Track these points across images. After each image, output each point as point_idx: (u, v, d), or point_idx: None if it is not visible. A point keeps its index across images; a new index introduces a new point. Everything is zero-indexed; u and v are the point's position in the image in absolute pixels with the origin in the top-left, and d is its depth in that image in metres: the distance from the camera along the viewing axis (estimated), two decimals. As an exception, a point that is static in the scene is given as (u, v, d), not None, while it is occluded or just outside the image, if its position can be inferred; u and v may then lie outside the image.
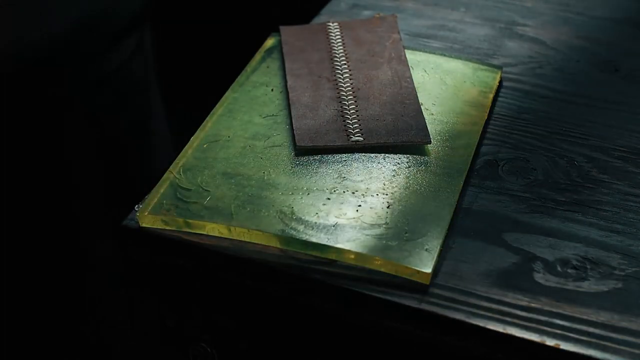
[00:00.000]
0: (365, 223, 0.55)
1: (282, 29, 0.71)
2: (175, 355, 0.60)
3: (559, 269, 0.53)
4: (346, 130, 0.61)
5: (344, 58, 0.67)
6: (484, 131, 0.64)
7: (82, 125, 0.82)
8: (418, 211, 0.56)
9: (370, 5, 0.78)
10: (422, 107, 0.63)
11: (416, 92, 0.64)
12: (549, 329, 0.50)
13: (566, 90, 0.68)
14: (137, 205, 0.57)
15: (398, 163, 0.59)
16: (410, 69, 0.67)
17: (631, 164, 0.61)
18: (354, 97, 0.64)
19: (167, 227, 0.56)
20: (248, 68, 0.68)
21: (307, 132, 0.61)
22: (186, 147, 0.61)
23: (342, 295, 0.52)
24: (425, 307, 0.51)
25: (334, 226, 0.54)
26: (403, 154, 0.60)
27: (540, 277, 0.53)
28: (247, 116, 0.63)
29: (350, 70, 0.66)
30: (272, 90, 0.66)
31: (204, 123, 0.63)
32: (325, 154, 0.60)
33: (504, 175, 0.60)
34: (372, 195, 0.57)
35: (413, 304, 0.51)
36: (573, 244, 0.55)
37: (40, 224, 0.82)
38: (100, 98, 0.82)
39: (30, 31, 0.74)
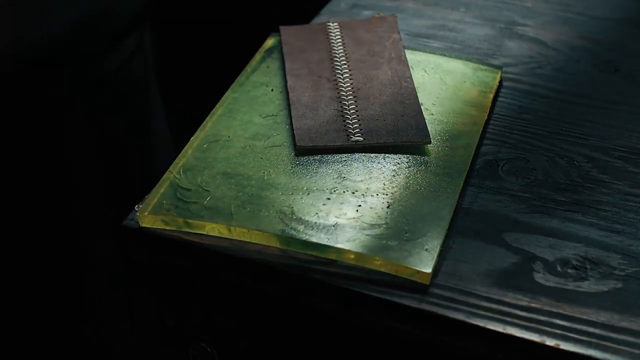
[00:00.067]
0: (365, 223, 0.55)
1: (282, 29, 0.71)
2: (175, 355, 0.60)
3: (559, 269, 0.53)
4: (346, 130, 0.61)
5: (344, 58, 0.67)
6: (484, 131, 0.64)
7: (82, 125, 0.82)
8: (418, 211, 0.56)
9: (370, 5, 0.78)
10: (422, 107, 0.63)
11: (416, 92, 0.64)
12: (549, 329, 0.50)
13: (566, 90, 0.68)
14: (137, 205, 0.57)
15: (398, 163, 0.59)
16: (410, 69, 0.67)
17: (631, 164, 0.61)
18: (354, 97, 0.64)
19: (167, 227, 0.56)
20: (248, 68, 0.68)
21: (307, 132, 0.61)
22: (186, 147, 0.61)
23: (342, 295, 0.52)
24: (425, 307, 0.51)
25: (334, 226, 0.54)
26: (403, 154, 0.60)
27: (540, 277, 0.53)
28: (247, 116, 0.63)
29: (350, 70, 0.66)
30: (272, 90, 0.66)
31: (204, 123, 0.63)
32: (325, 154, 0.60)
33: (504, 175, 0.60)
34: (372, 195, 0.57)
35: (413, 304, 0.51)
36: (573, 244, 0.55)
37: (40, 224, 0.82)
38: (100, 98, 0.82)
39: (30, 31, 0.74)
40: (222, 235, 0.55)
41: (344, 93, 0.64)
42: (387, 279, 0.52)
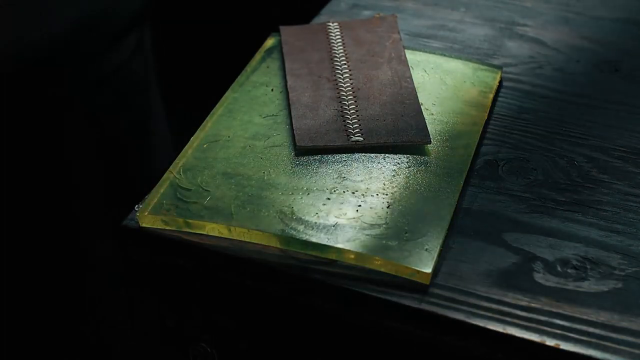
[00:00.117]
0: (365, 223, 0.55)
1: (282, 29, 0.71)
2: (175, 355, 0.60)
3: (559, 269, 0.53)
4: (346, 130, 0.61)
5: (344, 58, 0.67)
6: (484, 131, 0.64)
7: (82, 125, 0.82)
8: (418, 211, 0.56)
9: (370, 5, 0.78)
10: (422, 107, 0.63)
11: (416, 92, 0.64)
12: (549, 329, 0.50)
13: (566, 90, 0.68)
14: (137, 205, 0.57)
15: (398, 163, 0.59)
16: (410, 69, 0.67)
17: (631, 164, 0.61)
18: (354, 97, 0.64)
19: (167, 227, 0.56)
20: (248, 68, 0.68)
21: (307, 132, 0.61)
22: (186, 147, 0.61)
23: (342, 295, 0.52)
24: (425, 307, 0.51)
25: (334, 226, 0.54)
26: (403, 154, 0.60)
27: (540, 277, 0.53)
28: (247, 116, 0.63)
29: (350, 70, 0.66)
30: (272, 90, 0.66)
31: (204, 123, 0.63)
32: (325, 154, 0.60)
33: (504, 175, 0.60)
34: (372, 195, 0.57)
35: (413, 304, 0.51)
36: (573, 244, 0.55)
37: (40, 224, 0.82)
38: (100, 98, 0.82)
39: (30, 31, 0.74)
40: (222, 235, 0.55)
41: (344, 93, 0.64)
42: (387, 279, 0.52)
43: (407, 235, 0.54)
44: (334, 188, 0.57)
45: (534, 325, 0.50)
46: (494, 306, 0.51)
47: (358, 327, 0.53)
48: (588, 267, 0.54)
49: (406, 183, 0.58)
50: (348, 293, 0.52)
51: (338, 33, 0.70)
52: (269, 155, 0.60)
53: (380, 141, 0.60)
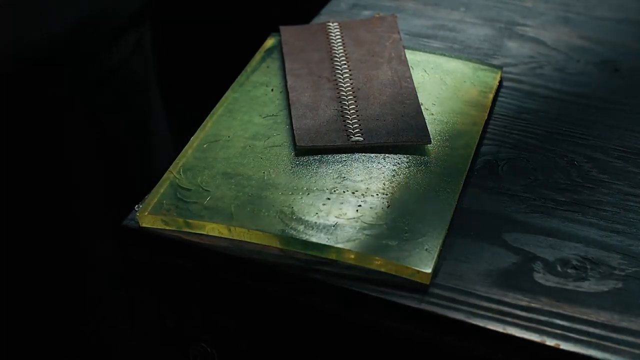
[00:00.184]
0: (365, 223, 0.55)
1: (282, 29, 0.71)
2: (175, 355, 0.60)
3: (559, 269, 0.53)
4: (346, 130, 0.61)
5: (344, 58, 0.67)
6: (484, 131, 0.64)
7: (82, 125, 0.82)
8: (418, 211, 0.56)
9: (370, 5, 0.78)
10: (422, 107, 0.63)
11: (416, 92, 0.64)
12: (549, 329, 0.50)
13: (566, 90, 0.68)
14: (137, 205, 0.57)
15: (398, 163, 0.59)
16: (410, 69, 0.67)
17: (631, 164, 0.61)
18: (354, 97, 0.64)
19: (167, 227, 0.56)
20: (248, 68, 0.68)
21: (307, 132, 0.61)
22: (186, 147, 0.61)
23: (342, 295, 0.52)
24: (425, 307, 0.51)
25: (334, 226, 0.54)
26: (403, 154, 0.60)
27: (540, 277, 0.53)
28: (247, 116, 0.63)
29: (350, 70, 0.66)
30: (272, 90, 0.66)
31: (204, 123, 0.63)
32: (325, 154, 0.60)
33: (504, 175, 0.60)
34: (372, 195, 0.57)
35: (413, 304, 0.51)
36: (573, 244, 0.55)
37: (40, 224, 0.82)
38: (100, 98, 0.82)
39: (30, 31, 0.74)
40: (222, 235, 0.55)
41: (344, 93, 0.64)
42: (387, 279, 0.52)
43: (407, 235, 0.54)
44: (334, 188, 0.57)
45: (534, 325, 0.50)
46: (494, 306, 0.51)
47: (358, 327, 0.53)
48: (588, 267, 0.54)
49: (406, 183, 0.58)
50: (348, 293, 0.52)
51: (338, 33, 0.70)
52: (269, 155, 0.60)
53: (380, 141, 0.60)
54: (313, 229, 0.54)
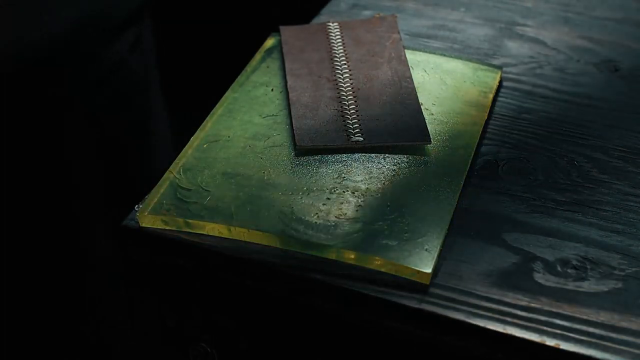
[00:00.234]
0: (365, 223, 0.55)
1: (282, 29, 0.71)
2: (175, 355, 0.60)
3: (559, 269, 0.53)
4: (346, 131, 0.61)
5: (344, 58, 0.67)
6: (484, 131, 0.64)
7: (82, 125, 0.82)
8: (418, 211, 0.56)
9: (370, 5, 0.78)
10: (422, 107, 0.63)
11: (416, 92, 0.64)
12: (549, 329, 0.50)
13: (566, 90, 0.68)
14: (137, 205, 0.57)
15: (398, 163, 0.59)
16: (410, 69, 0.67)
17: (631, 164, 0.61)
18: (354, 97, 0.64)
19: (167, 227, 0.56)
20: (248, 68, 0.68)
21: (307, 132, 0.61)
22: (186, 147, 0.61)
23: (342, 295, 0.52)
24: (425, 307, 0.51)
25: (334, 226, 0.54)
26: (403, 154, 0.60)
27: (540, 277, 0.53)
28: (247, 116, 0.63)
29: (350, 70, 0.66)
30: (272, 90, 0.66)
31: (204, 123, 0.63)
32: (325, 154, 0.60)
33: (504, 175, 0.60)
34: (372, 195, 0.57)
35: (413, 304, 0.51)
36: (573, 244, 0.55)
37: (40, 224, 0.82)
38: (100, 98, 0.82)
39: (30, 31, 0.74)
40: (222, 235, 0.55)
41: (344, 93, 0.64)
42: (387, 279, 0.52)
43: (407, 235, 0.54)
44: (334, 188, 0.57)
45: (534, 325, 0.50)
46: (494, 306, 0.51)
47: (358, 327, 0.53)
48: (588, 267, 0.54)
49: (406, 183, 0.58)
50: (348, 293, 0.52)
51: (338, 33, 0.70)
52: (269, 155, 0.60)
53: (380, 141, 0.60)
54: (313, 229, 0.54)
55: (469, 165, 0.60)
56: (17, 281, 0.83)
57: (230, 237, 0.55)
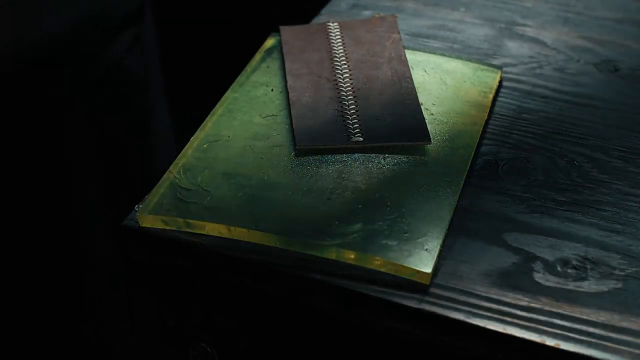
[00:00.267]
0: (365, 223, 0.55)
1: (282, 29, 0.71)
2: (175, 355, 0.60)
3: (559, 269, 0.53)
4: (346, 131, 0.61)
5: (344, 58, 0.67)
6: (484, 131, 0.64)
7: (82, 125, 0.82)
8: (418, 211, 0.56)
9: (370, 5, 0.78)
10: (422, 107, 0.63)
11: (416, 92, 0.64)
12: (549, 329, 0.50)
13: (566, 90, 0.68)
14: (137, 205, 0.57)
15: (398, 163, 0.59)
16: (410, 69, 0.67)
17: (631, 164, 0.61)
18: (354, 97, 0.64)
19: (167, 227, 0.56)
20: (248, 68, 0.68)
21: (307, 132, 0.61)
22: (186, 147, 0.61)
23: (342, 295, 0.52)
24: (425, 307, 0.51)
25: (334, 226, 0.54)
26: (403, 154, 0.60)
27: (540, 277, 0.53)
28: (247, 116, 0.63)
29: (350, 70, 0.66)
30: (272, 90, 0.66)
31: (204, 123, 0.63)
32: (325, 154, 0.60)
33: (504, 175, 0.60)
34: (372, 195, 0.57)
35: (413, 304, 0.51)
36: (573, 244, 0.55)
37: (40, 224, 0.82)
38: (100, 98, 0.82)
39: (30, 31, 0.74)
40: (222, 235, 0.55)
41: (344, 93, 0.64)
42: (387, 279, 0.52)
43: (407, 235, 0.54)
44: (334, 188, 0.57)
45: (534, 325, 0.50)
46: (494, 306, 0.51)
47: (358, 327, 0.53)
48: (588, 267, 0.54)
49: (406, 183, 0.58)
50: (348, 293, 0.52)
51: (338, 33, 0.70)
52: (269, 155, 0.60)
53: (380, 141, 0.60)
54: (313, 228, 0.54)
55: (469, 165, 0.60)
56: (17, 281, 0.83)
57: (230, 237, 0.55)
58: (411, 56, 0.68)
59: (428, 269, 0.52)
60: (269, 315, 0.56)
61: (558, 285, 0.52)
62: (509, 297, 0.52)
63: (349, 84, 0.65)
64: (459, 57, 0.69)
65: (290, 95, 0.64)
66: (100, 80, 0.81)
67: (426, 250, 0.53)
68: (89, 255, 0.86)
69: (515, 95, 0.68)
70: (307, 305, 0.54)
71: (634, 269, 0.53)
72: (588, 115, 0.66)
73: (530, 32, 0.75)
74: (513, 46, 0.73)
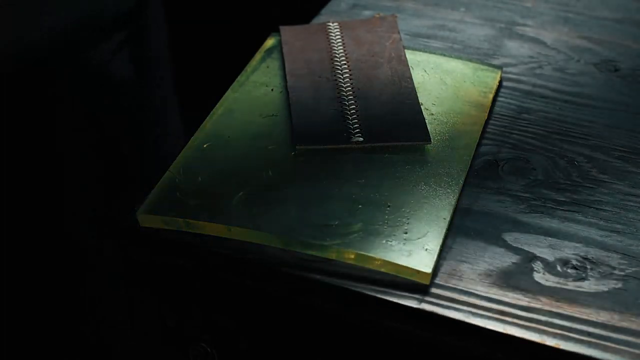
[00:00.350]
0: (366, 223, 0.55)
1: (282, 29, 0.71)
2: (175, 355, 0.60)
3: (559, 269, 0.53)
4: (346, 131, 0.61)
5: (344, 58, 0.67)
6: (484, 131, 0.64)
7: (82, 125, 0.82)
8: (418, 211, 0.56)
9: (370, 5, 0.78)
10: (422, 107, 0.63)
11: (416, 92, 0.64)
12: (549, 329, 0.50)
13: (566, 90, 0.68)
14: (137, 205, 0.57)
15: (398, 163, 0.59)
16: (410, 69, 0.67)
17: (631, 164, 0.61)
18: (354, 97, 0.64)
19: (167, 227, 0.56)
20: (248, 68, 0.68)
21: (307, 132, 0.61)
22: (186, 147, 0.61)
23: (342, 295, 0.52)
24: (425, 307, 0.51)
25: (334, 226, 0.54)
26: (403, 153, 0.60)
27: (540, 277, 0.53)
28: (247, 116, 0.63)
29: (350, 70, 0.66)
30: (272, 90, 0.66)
31: (204, 123, 0.63)
32: (325, 154, 0.60)
33: (504, 175, 0.60)
34: (372, 195, 0.57)
35: (413, 304, 0.51)
36: (573, 244, 0.55)
37: (40, 223, 0.82)
38: (100, 98, 0.82)
39: (30, 31, 0.74)
40: (222, 235, 0.55)
41: (344, 93, 0.64)
42: (387, 279, 0.52)
43: (407, 235, 0.54)
44: (334, 188, 0.57)
45: (534, 325, 0.50)
46: (494, 306, 0.51)
47: (358, 327, 0.53)
48: (588, 267, 0.54)
49: (406, 183, 0.58)
50: (348, 293, 0.52)
51: (338, 33, 0.70)
52: (269, 155, 0.60)
53: (381, 141, 0.60)
54: (313, 228, 0.54)
55: (469, 165, 0.60)
56: (17, 281, 0.83)
57: (230, 237, 0.55)
58: (411, 56, 0.68)
59: (428, 269, 0.52)
60: (269, 315, 0.56)
61: (558, 285, 0.52)
62: (509, 297, 0.52)
63: (349, 84, 0.65)
64: (459, 57, 0.69)
65: (290, 95, 0.64)
66: (100, 80, 0.81)
67: (426, 250, 0.53)
68: (89, 255, 0.86)
69: (515, 95, 0.68)
70: (307, 305, 0.54)
71: (634, 269, 0.53)
72: (588, 115, 0.66)
73: (530, 32, 0.75)
74: (513, 46, 0.73)
